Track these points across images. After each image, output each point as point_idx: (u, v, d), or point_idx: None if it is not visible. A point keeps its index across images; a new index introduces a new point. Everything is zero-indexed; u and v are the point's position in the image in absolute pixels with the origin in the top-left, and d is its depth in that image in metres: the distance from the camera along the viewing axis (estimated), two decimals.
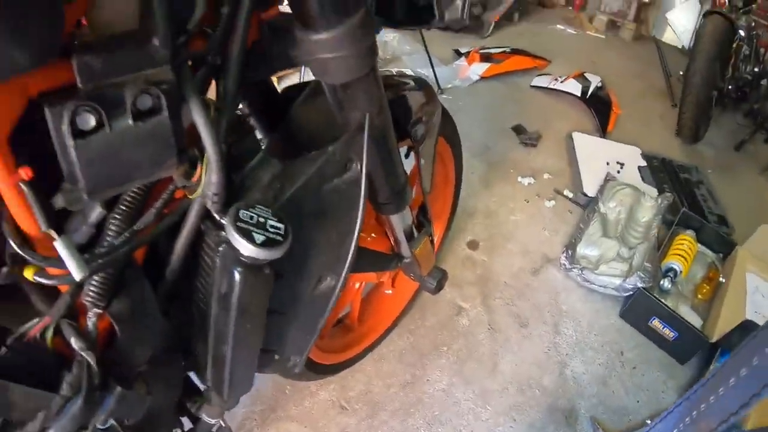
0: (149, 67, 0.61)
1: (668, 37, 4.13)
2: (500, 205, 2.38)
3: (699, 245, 2.28)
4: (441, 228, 1.83)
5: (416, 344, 1.83)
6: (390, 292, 1.78)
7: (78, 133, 0.57)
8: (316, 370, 1.52)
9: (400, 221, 1.26)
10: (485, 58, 3.23)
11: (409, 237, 1.33)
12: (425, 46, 2.92)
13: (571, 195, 2.46)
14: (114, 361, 0.77)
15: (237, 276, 0.73)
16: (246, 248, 0.70)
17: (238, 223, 0.70)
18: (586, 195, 2.43)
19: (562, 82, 3.14)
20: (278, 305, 0.87)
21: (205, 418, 1.05)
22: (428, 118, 1.29)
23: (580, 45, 3.92)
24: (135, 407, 0.81)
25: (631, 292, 2.03)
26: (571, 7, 4.40)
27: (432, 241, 1.47)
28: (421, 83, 1.36)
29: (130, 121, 0.59)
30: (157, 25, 0.61)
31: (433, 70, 2.96)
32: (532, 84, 3.21)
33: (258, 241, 0.70)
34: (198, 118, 0.66)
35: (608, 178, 2.46)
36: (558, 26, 4.10)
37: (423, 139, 1.27)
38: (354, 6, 0.74)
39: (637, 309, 2.00)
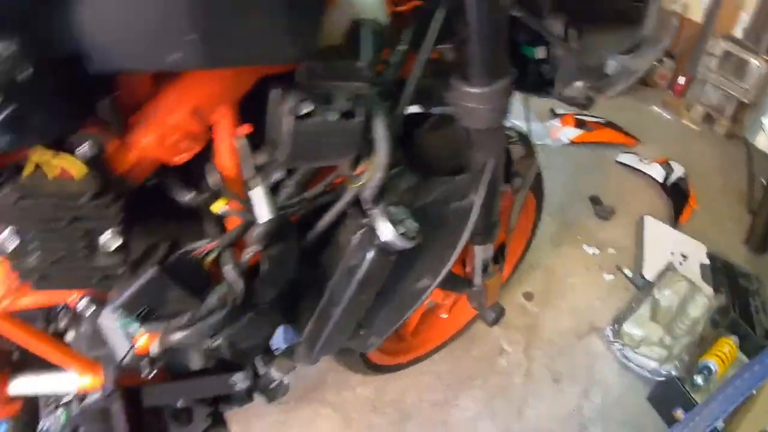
0: (354, 81, 0.82)
1: (761, 141, 4.14)
2: (561, 266, 2.52)
3: (740, 352, 2.36)
4: (505, 273, 1.99)
5: (456, 369, 1.99)
6: (445, 317, 1.95)
7: (295, 116, 0.77)
8: (367, 364, 1.70)
9: (482, 252, 1.43)
10: (579, 123, 3.37)
11: (484, 269, 1.50)
12: (526, 101, 3.08)
13: (630, 274, 2.57)
14: (251, 291, 0.96)
15: (370, 255, 0.92)
16: (388, 235, 0.88)
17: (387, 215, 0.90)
18: (644, 278, 2.53)
19: (647, 164, 3.25)
20: (381, 288, 1.05)
21: (273, 371, 1.23)
22: (525, 172, 1.48)
23: (672, 131, 4.00)
24: (254, 333, 1.01)
25: (664, 378, 2.13)
26: (671, 91, 4.47)
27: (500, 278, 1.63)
28: (524, 139, 1.55)
29: (335, 118, 0.79)
30: (364, 51, 0.82)
31: (528, 125, 3.11)
32: (618, 159, 3.32)
33: (399, 232, 0.89)
34: (379, 129, 0.86)
35: (669, 268, 2.56)
36: (655, 108, 4.19)
37: (517, 189, 1.45)
38: (503, 73, 0.94)
39: (665, 395, 2.10)
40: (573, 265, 2.54)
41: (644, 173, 3.22)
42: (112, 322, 0.87)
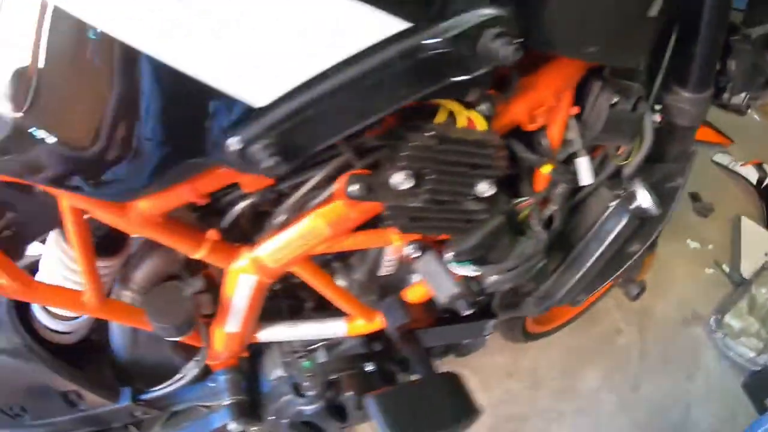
0: (636, 82, 1.00)
1: None
2: (669, 257, 2.69)
3: None
4: None
5: (580, 344, 2.21)
6: None
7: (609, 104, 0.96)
8: (523, 332, 1.92)
9: None
10: None
11: None
12: None
13: (728, 270, 2.74)
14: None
15: (626, 218, 1.09)
16: (647, 202, 1.05)
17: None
18: (741, 275, 2.71)
19: (741, 166, 3.38)
20: None
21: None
22: None
23: (762, 134, 4.09)
24: (538, 279, 1.19)
25: (759, 368, 2.33)
26: None
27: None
28: None
29: (628, 109, 0.98)
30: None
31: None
32: (714, 159, 3.46)
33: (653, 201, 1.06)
34: (648, 121, 1.05)
35: (765, 267, 2.73)
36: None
37: None
38: (709, 85, 1.10)
39: (759, 384, 2.30)
40: (678, 257, 2.72)
41: (738, 174, 3.35)
42: (434, 266, 0.98)
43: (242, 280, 0.96)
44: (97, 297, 0.95)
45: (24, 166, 0.69)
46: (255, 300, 1.01)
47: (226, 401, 1.16)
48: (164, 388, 1.18)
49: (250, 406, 1.19)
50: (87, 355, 1.19)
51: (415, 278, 1.16)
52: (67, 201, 0.82)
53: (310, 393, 1.12)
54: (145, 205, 0.80)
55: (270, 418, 1.20)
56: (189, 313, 0.96)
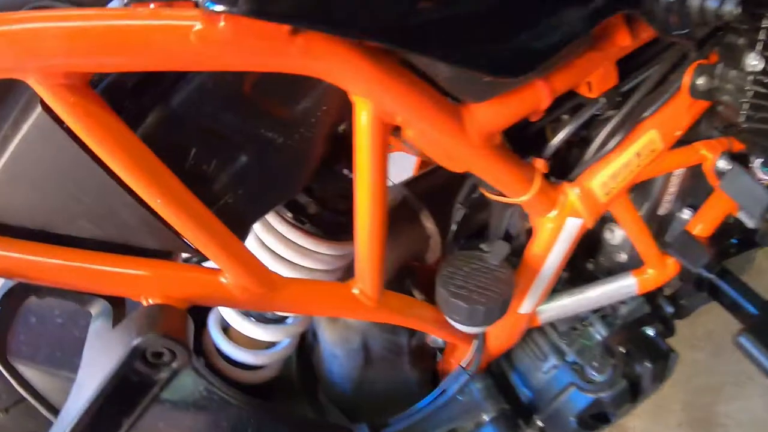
0: None
1: None
2: None
3: None
4: None
5: None
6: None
7: None
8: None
9: None
10: None
11: None
12: None
13: None
14: None
15: None
16: None
17: None
18: None
19: None
20: None
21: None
22: None
23: None
24: None
25: None
26: None
27: None
28: None
29: None
30: None
31: None
32: None
33: None
34: None
35: None
36: None
37: None
38: None
39: None
40: None
41: None
42: (743, 178, 0.83)
43: (569, 226, 0.78)
44: (376, 288, 0.69)
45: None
46: (566, 258, 0.83)
47: (488, 415, 0.94)
48: (415, 413, 0.94)
49: (517, 414, 0.99)
50: (276, 394, 1.00)
51: (686, 214, 1.00)
52: (372, 109, 0.56)
53: (602, 376, 0.94)
54: (486, 115, 0.64)
55: (540, 423, 1.00)
56: (509, 283, 0.78)
